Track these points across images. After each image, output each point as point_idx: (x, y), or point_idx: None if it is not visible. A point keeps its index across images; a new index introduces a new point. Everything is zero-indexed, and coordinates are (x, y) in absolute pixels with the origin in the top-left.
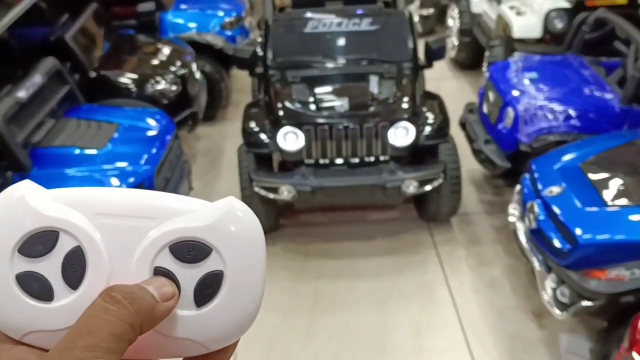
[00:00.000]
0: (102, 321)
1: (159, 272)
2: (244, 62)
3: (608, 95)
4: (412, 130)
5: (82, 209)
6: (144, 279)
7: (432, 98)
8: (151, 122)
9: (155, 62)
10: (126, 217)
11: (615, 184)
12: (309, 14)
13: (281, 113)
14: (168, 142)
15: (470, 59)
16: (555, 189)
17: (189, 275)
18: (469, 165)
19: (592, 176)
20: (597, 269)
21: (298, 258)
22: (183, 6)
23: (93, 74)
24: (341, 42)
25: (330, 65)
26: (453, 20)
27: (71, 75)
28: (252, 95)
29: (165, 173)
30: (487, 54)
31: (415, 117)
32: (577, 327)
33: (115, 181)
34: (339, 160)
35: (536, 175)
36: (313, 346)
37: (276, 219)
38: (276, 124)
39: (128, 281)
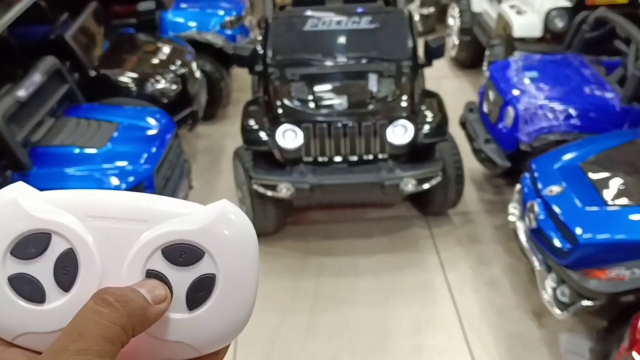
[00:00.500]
0: (93, 324)
1: (151, 274)
2: (244, 59)
3: (608, 95)
4: (410, 128)
5: (74, 212)
6: (136, 281)
7: (431, 96)
8: (151, 121)
9: (155, 61)
10: (118, 220)
11: (616, 183)
12: (308, 12)
13: (280, 111)
14: (168, 141)
15: (470, 58)
16: (555, 189)
17: (181, 278)
18: (469, 165)
19: (593, 175)
20: (597, 269)
21: (298, 256)
22: (183, 5)
23: (93, 73)
24: (341, 40)
25: (329, 63)
26: (453, 19)
27: (71, 74)
28: (252, 93)
29: (165, 172)
30: (487, 53)
31: (414, 116)
32: (577, 326)
33: (114, 180)
34: (338, 158)
35: (536, 174)
36: (313, 344)
37: (284, 218)
38: (275, 122)
39: (120, 284)
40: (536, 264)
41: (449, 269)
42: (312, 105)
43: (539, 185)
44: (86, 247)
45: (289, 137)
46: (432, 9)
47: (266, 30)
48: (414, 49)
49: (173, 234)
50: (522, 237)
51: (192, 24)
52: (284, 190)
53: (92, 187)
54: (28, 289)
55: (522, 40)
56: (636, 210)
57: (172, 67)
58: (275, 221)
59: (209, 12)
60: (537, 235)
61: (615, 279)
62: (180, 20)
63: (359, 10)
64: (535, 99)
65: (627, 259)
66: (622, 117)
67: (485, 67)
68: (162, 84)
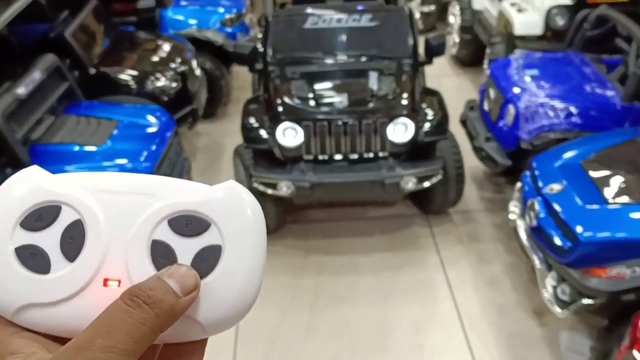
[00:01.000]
0: (121, 322)
1: (157, 244)
2: (244, 57)
3: (609, 93)
4: (411, 126)
5: (84, 187)
6: (141, 251)
7: (432, 94)
8: (151, 119)
9: (155, 59)
10: (127, 194)
11: (616, 181)
12: (309, 10)
13: (280, 109)
14: (168, 139)
15: (471, 56)
16: (556, 187)
17: (187, 247)
18: (470, 163)
19: (593, 174)
20: (598, 267)
21: (298, 254)
22: (183, 3)
23: (93, 71)
24: (341, 38)
25: (329, 61)
26: (454, 17)
27: (71, 72)
28: (252, 91)
29: (165, 170)
30: (488, 51)
31: (415, 114)
32: (577, 325)
33: None
34: (338, 156)
35: (537, 172)
36: (313, 343)
37: (284, 217)
38: (275, 120)
39: (125, 254)
40: (537, 262)
41: (449, 268)
42: (312, 103)
43: (540, 184)
44: (94, 216)
45: (289, 135)
46: (432, 7)
47: (266, 28)
48: (415, 46)
49: (180, 204)
50: (523, 236)
51: (192, 21)
52: (284, 188)
53: None
54: (34, 260)
55: (523, 38)
56: (637, 209)
57: (172, 65)
58: (275, 219)
59: (209, 10)
60: (538, 233)
61: (616, 278)
62: (181, 17)
63: (360, 8)
64: (536, 97)
65: (628, 258)
66: (623, 115)
67: (485, 65)
68: (162, 82)
